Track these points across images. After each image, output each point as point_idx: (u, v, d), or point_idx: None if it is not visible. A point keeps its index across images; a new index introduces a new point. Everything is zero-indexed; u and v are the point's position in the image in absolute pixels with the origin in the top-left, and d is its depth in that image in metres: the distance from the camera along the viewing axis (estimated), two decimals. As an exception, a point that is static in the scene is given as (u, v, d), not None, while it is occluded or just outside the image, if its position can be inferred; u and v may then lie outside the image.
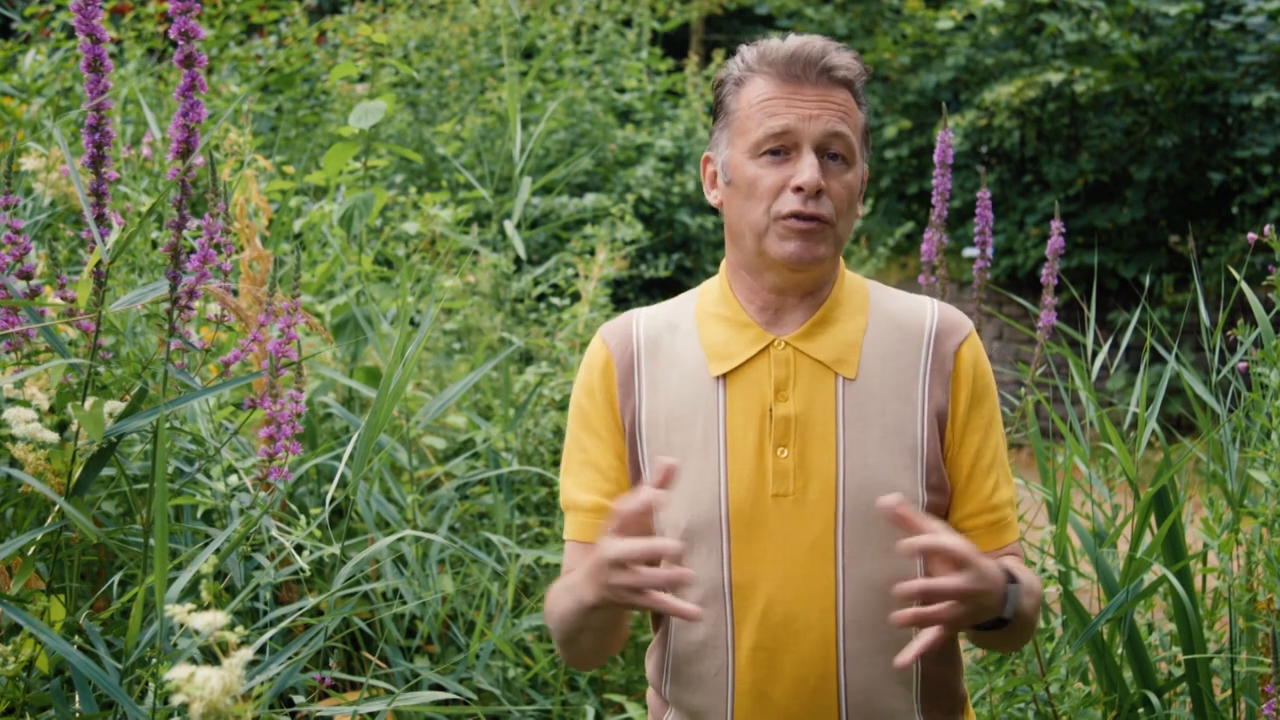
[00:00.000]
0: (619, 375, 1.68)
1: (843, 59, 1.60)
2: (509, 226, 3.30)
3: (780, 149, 1.57)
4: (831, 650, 1.57)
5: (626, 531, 1.40)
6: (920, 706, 1.61)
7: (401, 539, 2.64)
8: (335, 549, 1.96)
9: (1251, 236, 2.21)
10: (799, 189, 1.55)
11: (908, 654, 1.41)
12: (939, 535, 1.39)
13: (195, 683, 0.86)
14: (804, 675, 1.57)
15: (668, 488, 1.43)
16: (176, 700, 0.86)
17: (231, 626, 0.91)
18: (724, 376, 1.62)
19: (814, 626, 1.57)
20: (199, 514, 2.15)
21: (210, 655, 1.61)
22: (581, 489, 1.68)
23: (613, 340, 1.70)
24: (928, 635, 1.41)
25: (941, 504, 1.62)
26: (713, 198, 1.67)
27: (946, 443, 1.61)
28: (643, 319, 1.71)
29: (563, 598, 1.56)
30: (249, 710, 0.88)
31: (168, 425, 1.79)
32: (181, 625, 1.54)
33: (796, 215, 1.55)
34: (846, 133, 1.58)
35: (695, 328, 1.66)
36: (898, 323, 1.64)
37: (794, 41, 1.60)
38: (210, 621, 0.89)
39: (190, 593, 1.76)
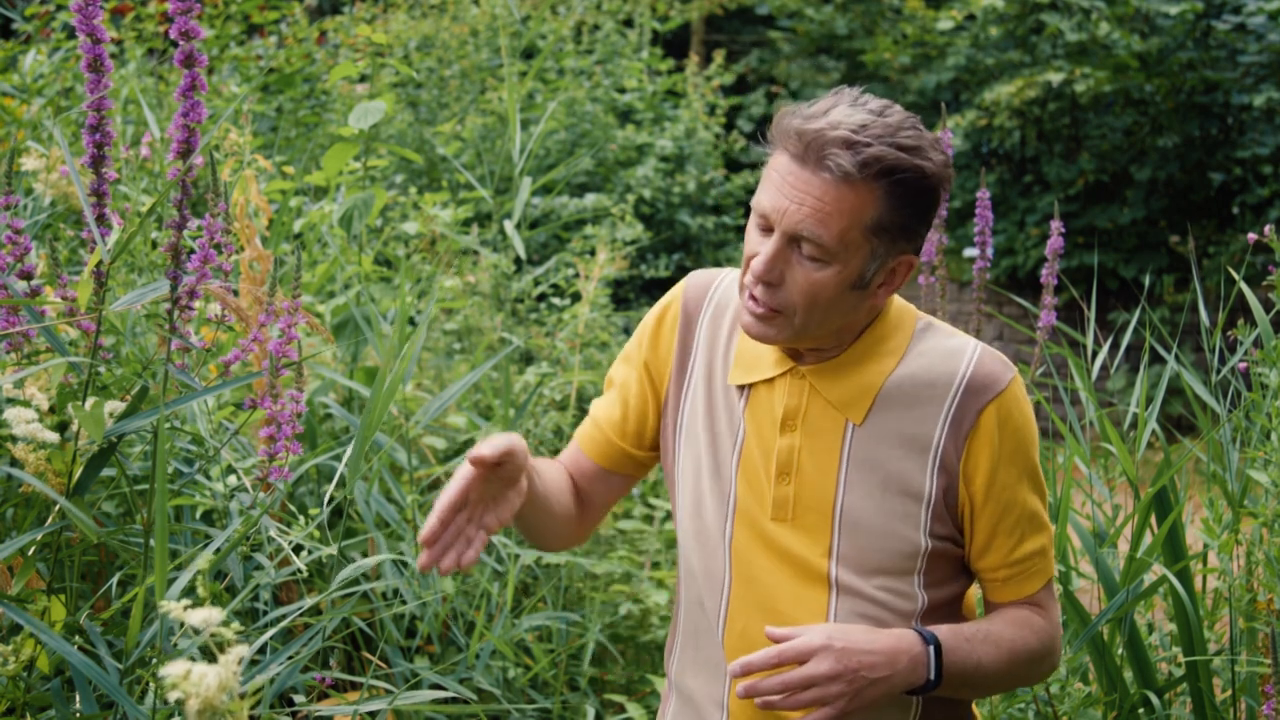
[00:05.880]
0: (680, 333, 1.71)
1: (845, 155, 1.44)
2: (509, 226, 3.30)
3: (766, 227, 1.53)
4: None
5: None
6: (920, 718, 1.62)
7: (402, 539, 2.64)
8: (333, 549, 1.96)
9: (1251, 236, 2.21)
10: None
11: None
12: (776, 648, 1.46)
13: (191, 679, 0.86)
14: None
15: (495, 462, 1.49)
16: (172, 697, 0.86)
17: (227, 623, 0.91)
18: (744, 387, 1.63)
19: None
20: (199, 514, 2.15)
21: (210, 655, 1.61)
22: (602, 403, 1.77)
23: (687, 295, 1.72)
24: (809, 717, 1.47)
25: (951, 550, 1.60)
26: None
27: (960, 500, 1.58)
28: (725, 285, 1.72)
29: None
30: (245, 707, 0.88)
31: (168, 425, 1.79)
32: (181, 625, 1.54)
33: (748, 289, 1.54)
34: (816, 237, 1.46)
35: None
36: (929, 368, 1.57)
37: (817, 119, 1.47)
38: (206, 618, 0.89)
39: (190, 592, 1.76)
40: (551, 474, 1.72)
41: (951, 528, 1.59)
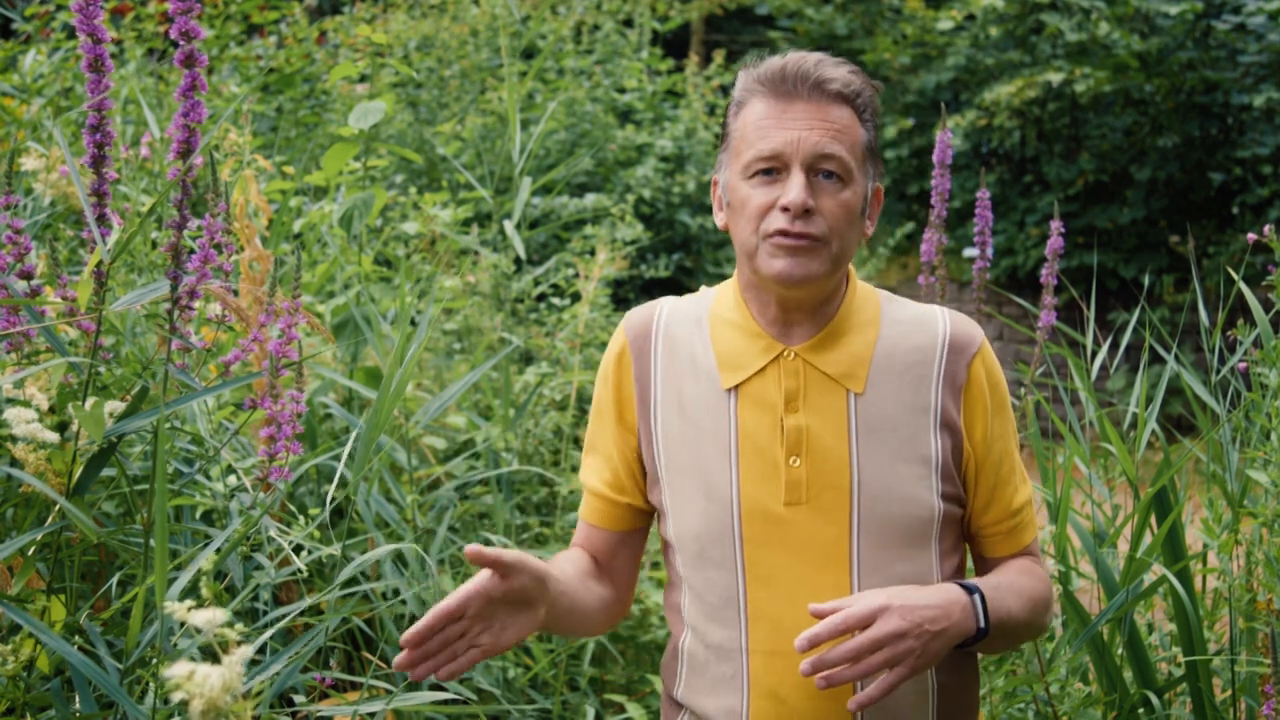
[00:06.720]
0: (635, 370, 1.69)
1: (838, 73, 1.56)
2: (509, 226, 3.30)
3: (771, 169, 1.56)
4: None
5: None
6: (936, 717, 1.61)
7: (401, 539, 2.64)
8: (335, 549, 1.96)
9: (1251, 236, 2.21)
10: (786, 208, 1.54)
11: (856, 701, 1.47)
12: (840, 613, 1.43)
13: (195, 680, 0.86)
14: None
15: (493, 571, 1.47)
16: (176, 698, 0.86)
17: (231, 624, 0.91)
18: (735, 388, 1.63)
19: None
20: (199, 514, 2.15)
21: (210, 655, 1.61)
22: (590, 471, 1.75)
23: (632, 332, 1.71)
24: (883, 681, 1.45)
25: (958, 512, 1.63)
26: (719, 220, 1.67)
27: (965, 456, 1.62)
28: (666, 311, 1.72)
29: None
30: (248, 708, 0.88)
31: (168, 425, 1.79)
32: (182, 625, 1.54)
33: (784, 233, 1.54)
34: (838, 153, 1.55)
35: (709, 331, 1.67)
36: (909, 334, 1.63)
37: (789, 57, 1.58)
38: (210, 619, 0.89)
39: (190, 592, 1.76)
40: (574, 572, 1.69)
41: (957, 486, 1.62)
